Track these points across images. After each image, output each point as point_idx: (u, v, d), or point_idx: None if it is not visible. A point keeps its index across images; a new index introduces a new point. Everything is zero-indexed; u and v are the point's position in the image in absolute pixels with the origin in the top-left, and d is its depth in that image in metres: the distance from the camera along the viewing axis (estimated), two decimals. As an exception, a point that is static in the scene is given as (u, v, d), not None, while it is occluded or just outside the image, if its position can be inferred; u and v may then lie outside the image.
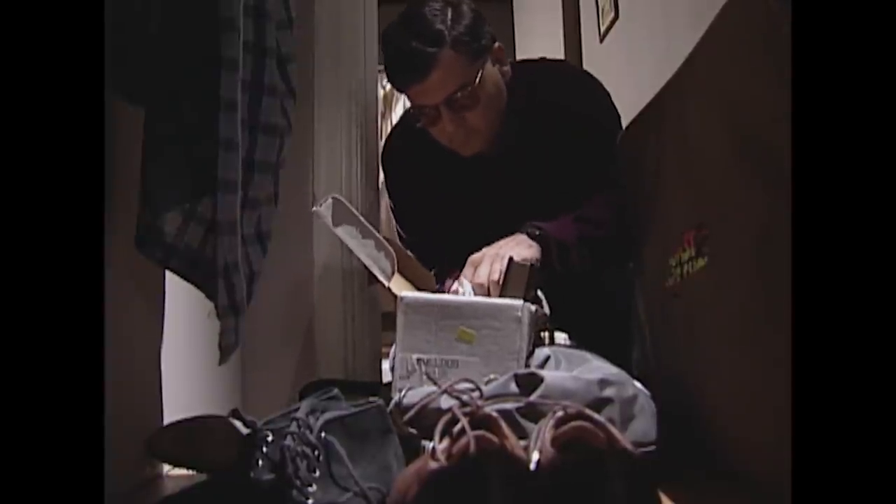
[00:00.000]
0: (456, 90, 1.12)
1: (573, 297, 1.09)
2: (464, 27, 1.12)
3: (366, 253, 1.05)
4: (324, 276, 1.33)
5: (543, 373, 0.75)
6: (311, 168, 1.32)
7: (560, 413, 0.55)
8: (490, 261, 1.05)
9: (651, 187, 0.88)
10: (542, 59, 1.36)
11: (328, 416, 0.68)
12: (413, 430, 0.76)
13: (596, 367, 0.82)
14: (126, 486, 0.82)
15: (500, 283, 1.01)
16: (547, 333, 0.99)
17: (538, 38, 3.46)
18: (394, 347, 0.91)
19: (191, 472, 0.84)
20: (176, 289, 0.91)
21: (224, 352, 0.79)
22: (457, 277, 1.09)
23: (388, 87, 3.71)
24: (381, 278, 1.04)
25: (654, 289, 0.86)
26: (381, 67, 1.33)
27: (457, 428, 0.54)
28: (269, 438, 0.66)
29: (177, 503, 0.72)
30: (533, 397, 0.72)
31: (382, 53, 1.20)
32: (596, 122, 1.21)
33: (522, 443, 0.56)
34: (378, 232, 1.09)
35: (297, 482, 0.63)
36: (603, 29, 2.63)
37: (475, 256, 1.08)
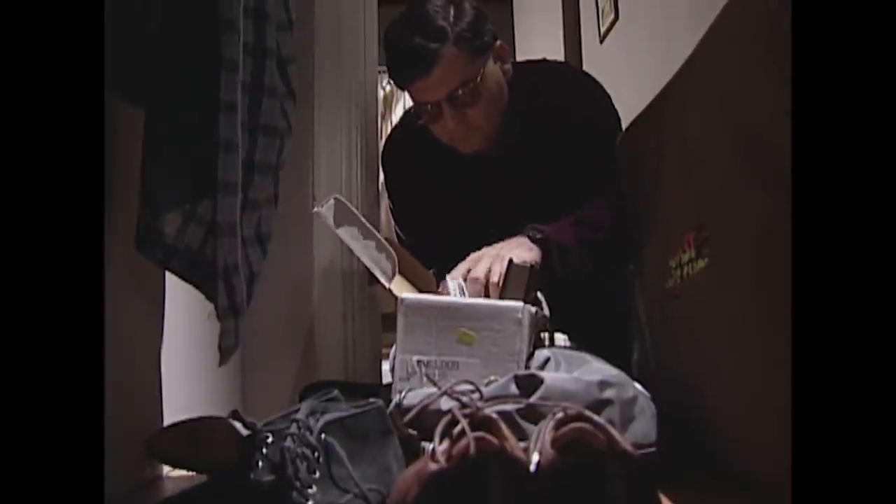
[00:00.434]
0: (458, 86, 1.13)
1: (573, 299, 1.08)
2: (466, 24, 1.12)
3: (367, 254, 1.05)
4: (324, 277, 1.32)
5: (543, 374, 0.75)
6: (311, 169, 1.32)
7: (560, 414, 0.55)
8: (489, 260, 1.05)
9: (651, 188, 0.88)
10: (544, 60, 1.36)
11: (328, 417, 0.68)
12: (413, 432, 0.76)
13: (596, 369, 0.82)
14: (126, 487, 0.82)
15: (500, 284, 1.01)
16: (547, 335, 0.99)
17: (538, 39, 3.46)
18: (394, 349, 0.91)
19: (191, 473, 0.84)
20: (176, 289, 0.91)
21: (224, 353, 0.79)
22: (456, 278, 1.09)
23: (388, 88, 3.73)
24: (382, 279, 1.03)
25: (654, 290, 0.86)
26: (382, 69, 1.33)
27: (457, 429, 0.54)
28: (269, 440, 0.66)
29: (177, 504, 0.72)
30: (533, 399, 0.71)
31: (384, 52, 1.20)
32: (596, 123, 1.22)
33: (522, 444, 0.56)
34: (378, 233, 1.09)
35: (297, 483, 0.63)
36: (603, 30, 2.63)
37: (474, 256, 1.08)
